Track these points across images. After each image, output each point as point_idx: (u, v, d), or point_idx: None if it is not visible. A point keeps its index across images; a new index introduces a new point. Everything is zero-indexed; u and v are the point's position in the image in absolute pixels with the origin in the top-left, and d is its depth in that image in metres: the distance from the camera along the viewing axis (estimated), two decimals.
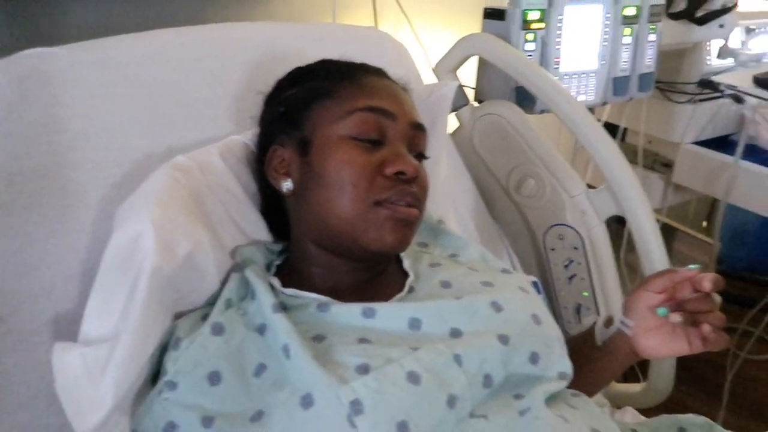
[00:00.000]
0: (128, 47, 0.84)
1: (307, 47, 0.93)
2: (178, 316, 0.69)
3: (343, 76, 0.74)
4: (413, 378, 0.58)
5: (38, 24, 1.02)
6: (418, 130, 0.74)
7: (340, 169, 0.68)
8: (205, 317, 0.66)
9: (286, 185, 0.73)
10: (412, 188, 0.69)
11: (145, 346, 0.62)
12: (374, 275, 0.73)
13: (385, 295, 0.70)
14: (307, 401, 0.56)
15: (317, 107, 0.72)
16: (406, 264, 0.75)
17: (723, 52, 1.58)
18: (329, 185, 0.68)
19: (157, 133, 0.81)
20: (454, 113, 1.16)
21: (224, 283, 0.71)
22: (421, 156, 0.75)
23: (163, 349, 0.66)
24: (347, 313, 0.65)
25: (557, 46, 1.19)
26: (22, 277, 0.69)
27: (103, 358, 0.60)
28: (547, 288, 1.12)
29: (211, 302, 0.69)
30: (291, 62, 0.80)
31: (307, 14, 1.30)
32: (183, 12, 1.14)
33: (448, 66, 1.16)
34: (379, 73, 0.77)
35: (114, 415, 0.62)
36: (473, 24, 1.28)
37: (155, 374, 0.66)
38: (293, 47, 0.94)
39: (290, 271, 0.74)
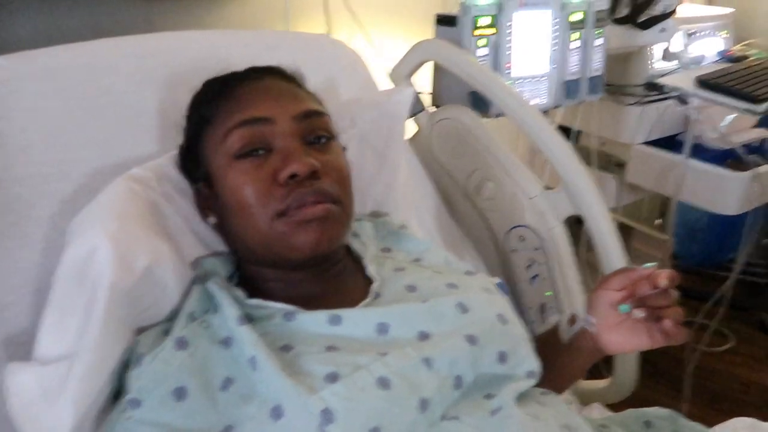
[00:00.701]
0: (72, 57, 0.81)
1: (257, 55, 0.91)
2: (139, 331, 0.66)
3: (219, 94, 0.72)
4: (383, 383, 0.57)
5: None
6: (309, 117, 0.70)
7: (235, 193, 0.67)
8: (167, 332, 0.64)
9: (211, 221, 0.73)
10: (313, 186, 0.66)
11: (105, 364, 0.60)
12: (332, 282, 0.72)
13: (351, 302, 0.69)
14: (277, 413, 0.55)
15: (205, 137, 0.71)
16: (371, 270, 0.74)
17: (666, 56, 1.64)
18: (234, 212, 0.67)
19: (105, 146, 0.79)
20: (412, 119, 1.16)
21: (185, 295, 0.69)
22: (325, 138, 0.71)
23: (124, 367, 0.63)
24: (313, 321, 0.64)
25: (508, 51, 1.22)
26: None
27: (60, 377, 0.58)
28: (511, 289, 1.12)
29: (173, 316, 0.67)
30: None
31: (261, 21, 1.29)
32: (134, 19, 1.11)
33: (403, 72, 1.16)
34: (260, 75, 0.73)
35: None
36: (426, 31, 1.29)
37: (116, 393, 0.63)
38: (244, 55, 0.92)
39: (251, 283, 0.72)
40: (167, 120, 0.84)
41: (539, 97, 1.30)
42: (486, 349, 0.65)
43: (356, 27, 1.39)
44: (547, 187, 1.11)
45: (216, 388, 0.59)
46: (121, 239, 0.62)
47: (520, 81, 1.26)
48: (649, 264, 0.69)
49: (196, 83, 0.82)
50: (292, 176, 0.65)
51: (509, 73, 1.23)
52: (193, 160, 0.73)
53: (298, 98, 0.71)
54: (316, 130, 0.70)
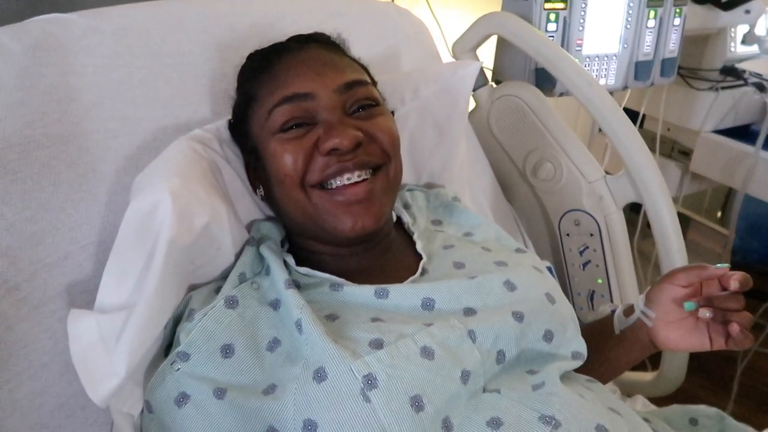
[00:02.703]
0: (143, 17, 0.82)
1: (322, 21, 0.92)
2: (192, 287, 0.68)
3: (262, 70, 0.72)
4: (427, 353, 0.57)
5: None
6: (351, 88, 0.69)
7: (276, 161, 0.67)
8: (218, 290, 0.66)
9: (259, 193, 0.74)
10: (355, 159, 0.66)
11: (160, 316, 0.62)
12: (382, 257, 0.73)
13: (398, 278, 0.69)
14: (320, 375, 0.55)
15: (251, 114, 0.72)
16: (419, 246, 0.74)
17: (748, 39, 1.54)
18: (277, 183, 0.68)
19: (169, 105, 0.80)
20: (471, 94, 1.14)
21: (239, 256, 0.70)
22: (370, 107, 0.70)
23: (176, 321, 0.65)
24: (360, 293, 0.65)
25: (580, 28, 1.17)
26: (35, 245, 0.68)
27: (117, 326, 0.60)
28: (560, 273, 1.11)
29: (226, 275, 0.68)
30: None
31: None
32: None
33: (466, 45, 1.13)
34: (301, 45, 0.73)
35: (127, 384, 0.62)
36: (493, 2, 1.25)
37: (168, 345, 0.65)
38: (308, 21, 0.92)
39: (302, 251, 0.73)
40: (229, 83, 0.85)
41: (607, 77, 1.25)
42: (532, 326, 0.65)
43: None
44: (607, 172, 1.08)
45: (263, 348, 0.61)
46: (183, 196, 0.64)
47: (590, 59, 1.21)
48: (721, 265, 0.67)
49: (259, 47, 0.83)
50: (335, 149, 0.65)
51: (580, 50, 1.19)
52: (242, 134, 0.74)
53: (339, 69, 0.70)
54: (359, 100, 0.69)
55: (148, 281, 0.61)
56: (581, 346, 0.68)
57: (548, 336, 0.65)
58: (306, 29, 0.80)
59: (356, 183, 0.66)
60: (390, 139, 0.70)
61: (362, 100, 0.70)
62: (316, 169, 0.66)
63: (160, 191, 0.63)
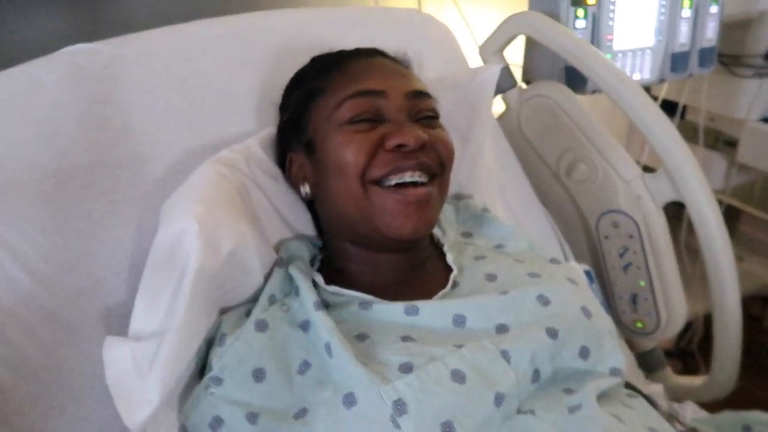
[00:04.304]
0: (165, 40, 0.84)
1: (344, 33, 0.91)
2: (224, 311, 0.69)
3: (332, 68, 0.73)
4: (458, 376, 0.56)
5: (97, 12, 1.04)
6: (417, 98, 0.71)
7: (340, 152, 0.67)
8: (248, 313, 0.66)
9: (305, 190, 0.74)
10: (418, 159, 0.67)
11: (191, 343, 0.63)
12: (415, 269, 0.72)
13: (428, 291, 0.68)
14: (349, 400, 0.55)
15: (314, 107, 0.72)
16: (449, 258, 0.73)
17: None
18: (334, 172, 0.68)
19: (197, 127, 0.81)
20: (500, 96, 1.12)
21: (268, 277, 0.71)
22: (431, 118, 0.72)
23: (209, 344, 0.66)
24: (390, 311, 0.64)
25: (610, 22, 1.13)
26: (71, 272, 0.70)
27: (150, 353, 0.61)
28: (600, 277, 1.07)
29: (256, 297, 0.69)
30: (328, 48, 0.78)
31: None
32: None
33: (493, 46, 1.11)
34: (369, 54, 0.76)
35: (162, 409, 0.62)
36: (520, 2, 1.23)
37: (202, 368, 0.66)
38: (331, 33, 0.92)
39: (332, 267, 0.73)
40: (257, 100, 0.85)
41: (641, 71, 1.21)
42: (567, 343, 0.63)
43: None
44: (647, 169, 1.04)
45: (293, 371, 0.61)
46: (208, 223, 0.64)
47: (622, 54, 1.17)
48: None
49: (286, 63, 0.83)
50: (400, 146, 0.66)
51: (611, 45, 1.15)
52: (296, 130, 0.74)
53: (408, 77, 0.73)
54: (423, 110, 0.71)
55: (177, 308, 0.61)
56: (619, 362, 0.66)
57: (584, 352, 0.63)
58: (330, 40, 0.81)
59: (416, 184, 0.67)
60: (448, 151, 0.71)
61: (426, 111, 0.72)
62: (378, 163, 0.66)
63: (186, 219, 0.64)
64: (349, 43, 0.79)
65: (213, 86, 0.84)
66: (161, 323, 0.62)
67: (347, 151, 0.67)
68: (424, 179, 0.68)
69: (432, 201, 0.68)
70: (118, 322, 0.70)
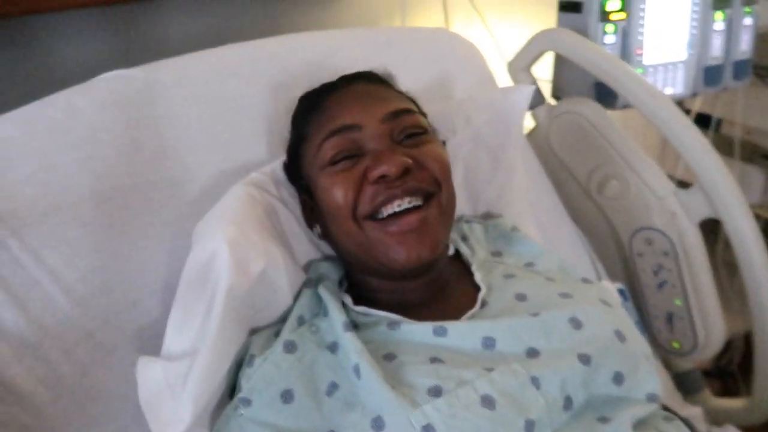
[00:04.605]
0: (199, 65, 0.86)
1: (371, 53, 0.92)
2: (254, 331, 0.69)
3: (312, 108, 0.73)
4: (487, 402, 0.55)
5: (143, 33, 1.07)
6: (397, 117, 0.69)
7: (327, 195, 0.67)
8: (278, 333, 0.67)
9: (317, 231, 0.74)
10: (405, 185, 0.65)
11: (222, 362, 0.63)
12: (441, 290, 0.71)
13: (457, 311, 0.67)
14: (378, 424, 0.55)
15: (302, 153, 0.73)
16: (478, 277, 0.72)
17: None
18: (329, 216, 0.68)
19: (228, 150, 0.82)
20: (529, 112, 1.11)
21: (297, 297, 0.71)
22: (417, 135, 0.70)
23: (239, 365, 0.66)
24: (418, 331, 0.64)
25: (640, 37, 1.12)
26: (106, 293, 0.71)
27: (182, 373, 0.62)
28: (635, 295, 1.05)
29: (285, 317, 0.69)
30: (356, 69, 0.79)
31: (376, 17, 1.29)
32: (261, 21, 1.15)
33: (522, 63, 1.11)
34: (350, 80, 0.74)
35: (194, 429, 0.63)
36: (549, 17, 1.22)
37: (233, 389, 0.66)
38: (358, 54, 0.93)
39: (359, 288, 0.73)
40: (287, 122, 0.87)
41: (674, 85, 1.19)
42: (600, 369, 0.61)
43: (475, 16, 1.35)
44: (681, 184, 1.02)
45: (322, 393, 0.61)
46: (239, 244, 0.65)
47: (653, 69, 1.16)
48: None
49: (316, 85, 0.85)
50: (383, 176, 0.65)
51: (641, 60, 1.14)
52: (296, 175, 0.75)
53: (386, 99, 0.71)
54: (406, 128, 0.69)
55: (209, 329, 0.62)
56: (655, 387, 0.64)
57: (618, 378, 0.62)
58: (357, 62, 0.81)
59: (408, 211, 0.65)
60: (440, 166, 0.69)
61: (409, 128, 0.69)
62: (366, 199, 0.66)
63: (217, 240, 0.65)
64: (378, 63, 0.79)
65: (245, 109, 0.85)
66: (193, 343, 0.63)
67: (334, 193, 0.67)
68: (418, 202, 0.66)
69: (431, 223, 0.66)
70: (151, 342, 0.72)
